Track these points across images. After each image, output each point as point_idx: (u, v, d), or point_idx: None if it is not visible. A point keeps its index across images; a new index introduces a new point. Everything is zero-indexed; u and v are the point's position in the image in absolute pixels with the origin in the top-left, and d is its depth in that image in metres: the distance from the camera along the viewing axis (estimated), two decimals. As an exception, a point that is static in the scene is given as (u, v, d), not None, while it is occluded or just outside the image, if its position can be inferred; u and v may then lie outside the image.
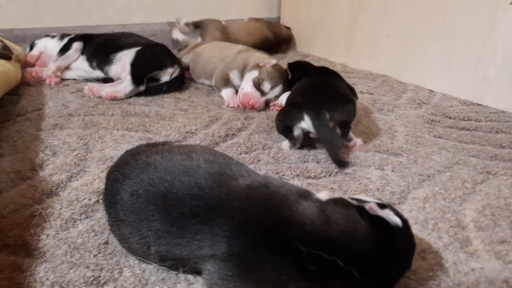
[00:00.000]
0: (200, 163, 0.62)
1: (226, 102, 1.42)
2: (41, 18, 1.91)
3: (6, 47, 1.41)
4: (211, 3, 2.34)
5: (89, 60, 1.60)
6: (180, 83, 1.57)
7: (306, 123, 1.05)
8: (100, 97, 1.42)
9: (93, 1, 2.02)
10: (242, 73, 1.47)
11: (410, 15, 1.68)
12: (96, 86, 1.45)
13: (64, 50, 1.62)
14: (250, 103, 1.34)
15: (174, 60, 1.58)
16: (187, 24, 2.11)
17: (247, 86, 1.38)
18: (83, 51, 1.63)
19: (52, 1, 1.92)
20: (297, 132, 1.07)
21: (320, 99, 1.09)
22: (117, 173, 0.66)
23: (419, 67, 1.68)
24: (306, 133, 1.07)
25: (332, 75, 1.32)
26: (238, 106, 1.39)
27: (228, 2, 2.40)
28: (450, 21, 1.53)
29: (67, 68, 1.61)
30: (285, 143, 1.10)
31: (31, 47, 1.68)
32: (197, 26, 2.09)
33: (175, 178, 0.59)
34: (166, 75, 1.54)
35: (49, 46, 1.66)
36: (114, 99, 1.40)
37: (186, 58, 1.71)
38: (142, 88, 1.46)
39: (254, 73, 1.39)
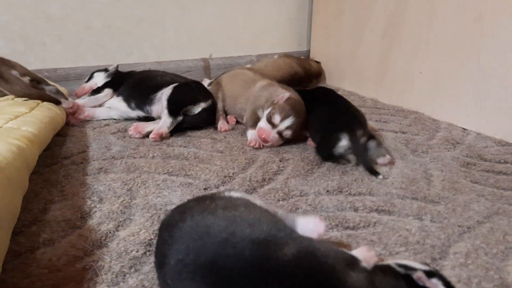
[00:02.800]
0: (245, 230, 0.63)
1: (248, 142, 1.47)
2: (83, 58, 2.00)
3: (58, 91, 1.49)
4: (243, 38, 2.41)
5: (127, 101, 1.67)
6: (209, 114, 1.62)
7: (342, 143, 1.27)
8: (146, 136, 1.49)
9: (132, 41, 2.10)
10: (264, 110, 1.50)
11: (442, 54, 1.69)
12: (141, 125, 1.51)
13: (96, 92, 1.71)
14: (262, 137, 1.41)
15: (207, 96, 1.65)
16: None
17: (261, 122, 1.45)
18: (119, 93, 1.70)
19: (94, 41, 2.01)
20: (337, 152, 1.28)
21: (347, 119, 1.34)
22: (167, 234, 0.68)
23: (452, 105, 1.68)
24: (343, 153, 1.29)
25: (336, 96, 1.53)
26: (259, 146, 1.44)
27: (260, 37, 2.46)
28: (484, 61, 1.53)
29: (109, 108, 1.69)
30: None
31: (89, 79, 1.84)
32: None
33: (222, 249, 0.61)
34: (199, 109, 1.60)
35: (99, 83, 1.76)
36: (161, 136, 1.47)
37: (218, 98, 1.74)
38: (180, 118, 1.53)
39: (269, 109, 1.44)
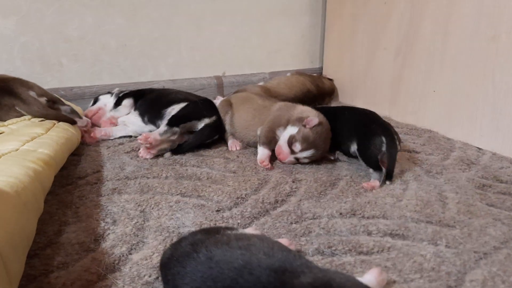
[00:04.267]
0: (261, 258, 0.64)
1: (259, 160, 1.46)
2: (99, 77, 2.03)
3: (73, 111, 1.52)
4: (256, 56, 2.43)
5: (142, 115, 1.70)
6: (213, 130, 1.63)
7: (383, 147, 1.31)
8: (159, 155, 1.51)
9: (147, 60, 2.14)
10: (285, 127, 1.47)
11: (456, 73, 1.68)
12: (148, 134, 1.50)
13: (116, 104, 1.77)
14: (278, 156, 1.44)
15: (213, 113, 1.65)
16: None
17: (283, 140, 1.44)
18: (135, 107, 1.74)
19: (109, 61, 2.05)
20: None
21: (383, 127, 1.38)
22: (179, 266, 0.68)
23: (467, 124, 1.67)
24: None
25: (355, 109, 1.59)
26: (268, 168, 1.42)
27: (272, 55, 2.48)
28: (499, 80, 1.52)
29: (125, 124, 1.72)
30: (375, 179, 1.31)
31: (95, 101, 1.86)
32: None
33: (238, 275, 0.61)
34: (203, 125, 1.61)
35: (108, 103, 1.79)
36: (148, 140, 1.46)
37: (227, 119, 1.70)
38: (176, 129, 1.53)
39: (293, 130, 1.42)
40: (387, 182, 1.29)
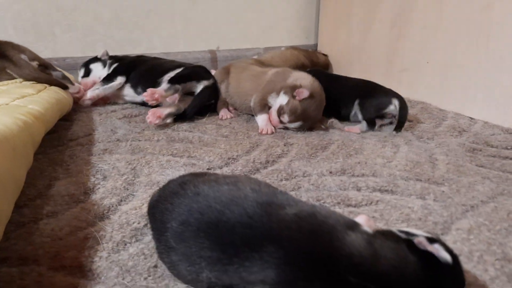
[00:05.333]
0: (247, 192, 0.65)
1: (260, 130, 1.44)
2: (92, 48, 2.02)
3: (64, 77, 1.51)
4: (251, 31, 2.42)
5: (134, 87, 1.69)
6: (213, 92, 1.63)
7: (394, 106, 1.45)
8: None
9: (141, 31, 2.12)
10: (278, 94, 1.46)
11: (450, 43, 1.68)
12: (157, 110, 1.47)
13: (108, 80, 1.71)
14: (270, 124, 1.46)
15: (210, 76, 1.67)
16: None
17: (274, 110, 1.45)
18: (127, 80, 1.71)
19: (102, 31, 2.04)
20: (385, 111, 1.47)
21: (392, 91, 1.51)
22: (166, 203, 0.69)
23: (460, 95, 1.67)
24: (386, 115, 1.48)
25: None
26: (272, 132, 1.43)
27: (267, 30, 2.47)
28: (492, 50, 1.52)
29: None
30: (359, 127, 1.48)
31: (87, 72, 1.80)
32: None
33: (225, 207, 0.62)
34: (202, 87, 1.61)
35: (101, 76, 1.76)
36: (155, 97, 1.46)
37: (222, 88, 1.71)
38: (178, 86, 1.53)
39: (284, 100, 1.42)
40: (386, 135, 1.43)
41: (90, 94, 1.67)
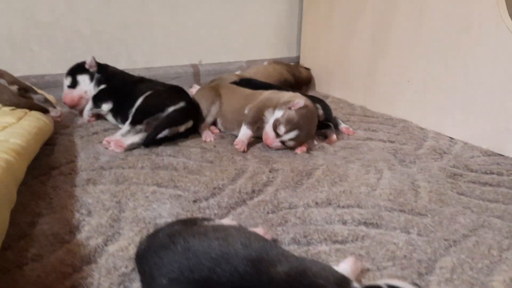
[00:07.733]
0: (238, 248, 0.65)
1: (236, 142, 1.50)
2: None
3: (46, 100, 1.48)
4: (233, 45, 2.41)
5: (115, 116, 1.69)
6: (181, 114, 1.55)
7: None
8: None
9: (121, 46, 2.10)
10: (275, 110, 1.50)
11: (430, 63, 1.71)
12: (118, 139, 1.46)
13: (95, 103, 1.70)
14: (266, 142, 1.47)
15: (179, 99, 1.57)
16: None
17: (269, 125, 1.47)
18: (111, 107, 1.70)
19: (82, 47, 2.00)
20: None
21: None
22: (156, 257, 0.68)
23: (439, 114, 1.71)
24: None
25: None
26: (243, 151, 1.47)
27: (249, 44, 2.46)
28: (471, 71, 1.56)
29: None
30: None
31: (73, 83, 1.74)
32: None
33: (216, 265, 0.62)
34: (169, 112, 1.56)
35: (88, 91, 1.73)
36: (112, 142, 1.45)
37: (214, 109, 1.68)
38: (140, 127, 1.50)
39: (279, 114, 1.46)
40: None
41: (86, 117, 1.74)
